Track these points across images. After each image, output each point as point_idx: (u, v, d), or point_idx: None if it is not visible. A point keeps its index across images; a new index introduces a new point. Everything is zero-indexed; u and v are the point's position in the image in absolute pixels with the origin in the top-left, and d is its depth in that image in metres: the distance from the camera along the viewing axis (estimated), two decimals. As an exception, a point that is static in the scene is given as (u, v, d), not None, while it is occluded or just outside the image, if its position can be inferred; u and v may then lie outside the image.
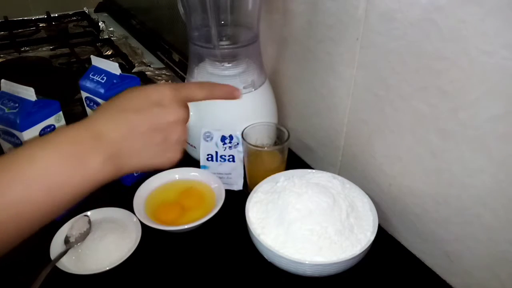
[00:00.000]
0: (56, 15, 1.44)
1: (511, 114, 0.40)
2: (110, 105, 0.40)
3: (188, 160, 0.70)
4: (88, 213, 0.59)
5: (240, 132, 0.62)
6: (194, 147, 0.69)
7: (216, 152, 0.65)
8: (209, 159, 0.66)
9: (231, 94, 0.49)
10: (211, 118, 0.66)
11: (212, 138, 0.65)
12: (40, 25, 1.40)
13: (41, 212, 0.35)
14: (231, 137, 0.64)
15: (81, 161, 0.36)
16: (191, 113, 0.66)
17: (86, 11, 1.48)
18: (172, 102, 0.41)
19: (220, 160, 0.65)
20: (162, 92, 0.41)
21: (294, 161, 0.74)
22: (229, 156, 0.65)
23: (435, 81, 0.46)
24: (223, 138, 0.64)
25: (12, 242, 0.36)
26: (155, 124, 0.40)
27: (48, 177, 0.35)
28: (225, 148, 0.65)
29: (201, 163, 0.66)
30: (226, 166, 0.66)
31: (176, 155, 0.43)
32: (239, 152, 0.65)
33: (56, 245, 0.54)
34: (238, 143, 0.64)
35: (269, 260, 0.51)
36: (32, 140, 0.39)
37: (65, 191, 0.36)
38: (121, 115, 0.39)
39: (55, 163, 0.35)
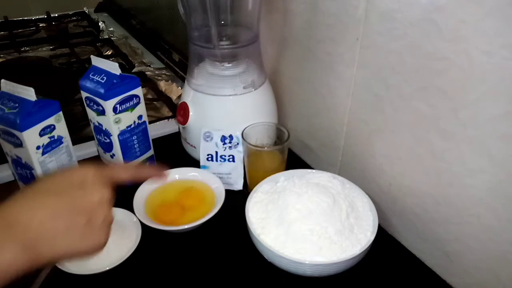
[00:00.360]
0: (56, 15, 1.44)
1: (511, 114, 0.40)
2: (29, 190, 0.38)
3: (188, 160, 0.70)
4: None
5: (240, 132, 0.62)
6: (194, 147, 0.69)
7: (216, 152, 0.65)
8: (209, 159, 0.66)
9: (157, 176, 0.50)
10: (211, 118, 0.66)
11: (212, 138, 0.65)
12: (40, 25, 1.40)
13: None
14: (231, 137, 0.64)
15: None
16: (191, 113, 0.67)
17: (86, 11, 1.48)
18: (95, 183, 0.40)
19: (220, 160, 0.65)
20: (85, 174, 0.40)
21: (294, 161, 0.74)
22: (229, 156, 0.65)
23: (435, 81, 0.46)
24: (223, 138, 0.64)
25: None
26: (76, 206, 0.37)
27: None
28: (225, 148, 0.65)
29: (201, 163, 0.66)
30: (226, 166, 0.66)
31: (101, 239, 0.39)
32: (239, 152, 0.65)
33: (56, 245, 0.54)
34: (238, 143, 0.64)
35: (269, 260, 0.51)
36: None
37: None
38: (39, 199, 0.37)
39: None
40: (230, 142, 0.65)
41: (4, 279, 0.33)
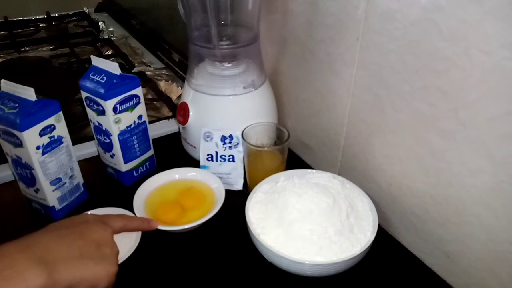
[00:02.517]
0: (56, 15, 1.44)
1: (511, 114, 0.40)
2: (42, 229, 0.43)
3: (188, 160, 0.70)
4: (88, 213, 0.59)
5: (240, 132, 0.62)
6: (194, 147, 0.69)
7: (216, 152, 0.65)
8: (209, 159, 0.66)
9: (146, 226, 0.54)
10: (211, 118, 0.66)
11: (212, 138, 0.65)
12: (40, 25, 1.40)
13: None
14: (231, 137, 0.64)
15: (14, 269, 0.35)
16: (191, 113, 0.67)
17: (86, 11, 1.48)
18: (96, 221, 0.46)
19: (220, 160, 0.65)
20: (86, 216, 0.47)
21: (294, 161, 0.74)
22: (229, 156, 0.65)
23: (435, 81, 0.46)
24: (223, 138, 0.64)
25: None
26: (85, 236, 0.42)
27: None
28: (225, 148, 0.65)
29: (201, 163, 0.66)
30: (226, 166, 0.66)
31: (112, 266, 0.42)
32: (239, 152, 0.65)
33: (56, 245, 0.54)
34: (238, 143, 0.64)
35: (269, 260, 0.51)
36: None
37: None
38: (53, 231, 0.42)
39: None
40: (230, 142, 0.65)
41: None
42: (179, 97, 0.89)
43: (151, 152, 0.69)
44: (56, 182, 0.59)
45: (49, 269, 0.36)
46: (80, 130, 0.78)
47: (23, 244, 0.38)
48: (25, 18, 1.39)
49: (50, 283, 0.36)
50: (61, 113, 0.58)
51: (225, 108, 0.66)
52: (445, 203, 0.49)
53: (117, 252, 0.45)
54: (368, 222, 0.53)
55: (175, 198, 0.61)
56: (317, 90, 0.65)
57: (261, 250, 0.51)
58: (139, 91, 0.63)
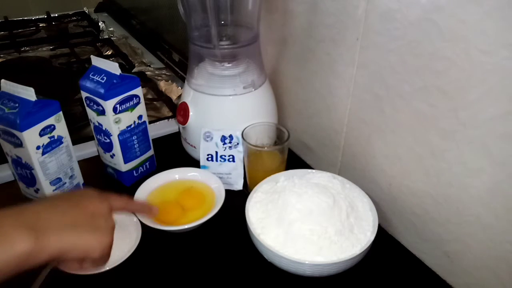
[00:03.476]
0: (56, 15, 1.44)
1: (511, 114, 0.40)
2: (40, 199, 0.43)
3: (188, 160, 0.70)
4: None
5: (240, 132, 0.62)
6: (194, 147, 0.69)
7: (216, 152, 0.65)
8: (209, 159, 0.66)
9: (147, 210, 0.54)
10: (211, 118, 0.66)
11: (212, 138, 0.65)
12: (40, 25, 1.40)
13: None
14: (231, 137, 0.64)
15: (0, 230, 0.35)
16: (191, 113, 0.67)
17: (86, 11, 1.48)
18: (95, 194, 0.45)
19: (220, 160, 0.65)
20: (86, 190, 0.46)
21: (294, 161, 0.74)
22: (229, 156, 0.65)
23: (435, 81, 0.46)
24: (223, 138, 0.64)
25: None
26: (80, 206, 0.42)
27: None
28: (225, 148, 0.65)
29: (201, 163, 0.66)
30: (226, 166, 0.66)
31: (104, 238, 0.42)
32: (239, 152, 0.65)
33: (56, 245, 0.54)
34: (238, 143, 0.64)
35: (269, 260, 0.51)
36: None
37: None
38: (46, 201, 0.43)
39: None
40: (230, 142, 0.65)
41: (13, 266, 0.35)
42: (179, 97, 0.89)
43: (151, 152, 0.69)
44: (56, 182, 0.59)
45: (38, 235, 0.36)
46: (80, 130, 0.78)
47: (14, 211, 0.38)
48: (25, 18, 1.39)
49: (37, 249, 0.36)
50: (61, 113, 0.58)
51: (225, 108, 0.66)
52: (445, 203, 0.49)
53: (113, 226, 0.44)
54: (368, 222, 0.53)
55: (175, 198, 0.61)
56: (317, 90, 0.65)
57: (261, 250, 0.51)
58: (139, 91, 0.63)
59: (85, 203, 0.43)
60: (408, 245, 0.57)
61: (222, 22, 0.64)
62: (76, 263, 0.44)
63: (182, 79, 0.98)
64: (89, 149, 0.73)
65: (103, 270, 0.51)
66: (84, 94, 0.62)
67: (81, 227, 0.40)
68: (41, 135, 0.55)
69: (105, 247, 0.42)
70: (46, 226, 0.37)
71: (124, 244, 0.54)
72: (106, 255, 0.43)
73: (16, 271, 0.35)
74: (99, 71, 0.61)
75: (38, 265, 0.37)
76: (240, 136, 0.62)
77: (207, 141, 0.65)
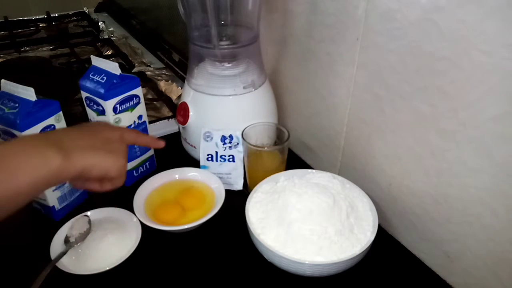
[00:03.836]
0: (56, 15, 1.44)
1: (511, 114, 0.40)
2: (61, 128, 0.50)
3: (188, 160, 0.70)
4: (88, 213, 0.59)
5: (240, 132, 0.62)
6: (194, 147, 0.69)
7: (216, 152, 0.65)
8: (209, 159, 0.66)
9: (155, 144, 0.57)
10: (211, 118, 0.66)
11: (212, 138, 0.65)
12: (40, 25, 1.40)
13: None
14: (231, 137, 0.64)
15: (37, 148, 0.41)
16: (191, 113, 0.67)
17: (86, 11, 1.48)
18: (108, 124, 0.53)
19: (220, 160, 0.65)
20: (99, 121, 0.53)
21: (294, 161, 0.74)
22: (229, 156, 0.65)
23: (435, 81, 0.46)
24: (223, 138, 0.64)
25: None
26: (94, 132, 0.48)
27: (10, 162, 0.39)
28: (225, 148, 0.65)
29: (201, 163, 0.66)
30: (226, 166, 0.66)
31: (120, 160, 0.48)
32: (239, 152, 0.65)
33: (56, 245, 0.54)
34: (238, 143, 0.64)
35: (269, 260, 0.51)
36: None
37: (24, 176, 0.39)
38: (67, 128, 0.50)
39: (12, 151, 0.40)
40: (230, 142, 0.65)
41: (48, 181, 0.41)
42: (179, 97, 0.89)
43: (151, 152, 0.69)
44: (56, 182, 0.59)
45: (65, 154, 0.41)
46: (80, 130, 0.78)
47: (42, 135, 0.47)
48: (25, 18, 1.39)
49: (66, 165, 0.41)
50: (61, 113, 0.58)
51: (225, 108, 0.66)
52: (445, 203, 0.49)
53: (125, 151, 0.49)
54: (368, 222, 0.53)
55: (175, 198, 0.62)
56: (317, 90, 0.65)
57: (261, 250, 0.51)
58: (139, 91, 0.63)
59: (99, 130, 0.49)
60: (408, 245, 0.57)
61: (222, 22, 0.64)
62: (96, 183, 0.49)
63: (182, 79, 0.98)
64: (89, 149, 0.73)
65: (103, 270, 0.51)
66: (84, 94, 0.62)
67: (98, 149, 0.45)
68: (41, 135, 0.55)
69: (120, 167, 0.47)
70: (71, 147, 0.43)
71: (124, 244, 0.54)
72: (122, 175, 0.49)
73: (49, 186, 0.42)
74: (99, 71, 0.61)
75: (66, 181, 0.50)
76: (240, 136, 0.62)
77: (207, 141, 0.65)
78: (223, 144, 0.65)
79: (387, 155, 0.56)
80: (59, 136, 0.45)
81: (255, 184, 0.59)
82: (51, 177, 0.41)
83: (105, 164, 0.46)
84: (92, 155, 0.45)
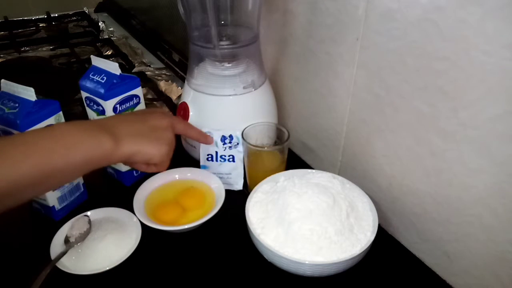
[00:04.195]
0: (56, 15, 1.44)
1: (511, 114, 0.40)
2: (113, 115, 0.57)
3: (188, 160, 0.70)
4: (88, 213, 0.59)
5: (240, 132, 0.62)
6: (194, 147, 0.69)
7: (216, 152, 0.65)
8: (209, 159, 0.66)
9: (203, 139, 0.63)
10: (211, 118, 0.66)
11: (212, 138, 0.65)
12: (40, 25, 1.40)
13: (60, 174, 0.43)
14: (231, 137, 0.64)
15: (91, 132, 0.46)
16: (191, 113, 0.67)
17: (86, 11, 1.48)
18: (160, 112, 0.56)
19: (220, 160, 0.65)
20: (154, 108, 0.57)
21: (294, 161, 0.74)
22: (229, 156, 0.65)
23: (435, 81, 0.46)
24: (223, 138, 0.64)
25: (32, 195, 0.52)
26: (143, 120, 0.52)
27: (67, 141, 0.44)
28: (225, 148, 0.65)
29: (201, 163, 0.66)
30: (226, 166, 0.66)
31: (163, 147, 0.51)
32: (239, 152, 0.65)
33: (56, 245, 0.54)
34: (238, 143, 0.64)
35: (269, 260, 0.51)
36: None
37: (79, 153, 0.44)
38: (118, 116, 0.55)
39: (70, 131, 0.45)
40: (230, 142, 0.65)
41: (100, 161, 0.46)
42: (179, 97, 0.89)
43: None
44: (56, 182, 0.59)
45: (116, 139, 0.47)
46: (80, 130, 0.78)
47: (96, 121, 0.50)
48: (25, 18, 1.39)
49: (116, 149, 0.46)
50: (61, 113, 0.58)
51: (225, 108, 0.66)
52: (445, 203, 0.49)
53: (171, 139, 0.53)
54: (368, 222, 0.53)
55: (175, 198, 0.61)
56: (317, 90, 0.65)
57: (261, 250, 0.51)
58: (139, 91, 0.63)
59: (148, 118, 0.53)
60: (408, 245, 0.57)
61: (222, 22, 0.64)
62: (143, 165, 0.54)
63: (182, 79, 0.98)
64: (89, 149, 0.73)
65: (103, 270, 0.51)
66: (84, 94, 0.62)
67: (144, 137, 0.50)
68: (41, 135, 0.55)
69: (163, 155, 0.51)
70: (120, 133, 0.48)
71: (124, 244, 0.54)
72: (165, 161, 0.53)
73: (99, 166, 0.46)
74: (99, 71, 0.61)
75: (114, 163, 0.57)
76: (240, 136, 0.62)
77: None
78: (223, 144, 0.65)
79: (387, 155, 0.56)
80: (112, 122, 0.49)
81: (255, 184, 0.59)
82: (102, 158, 0.46)
83: (149, 151, 0.50)
84: (138, 142, 0.49)
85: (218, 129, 0.64)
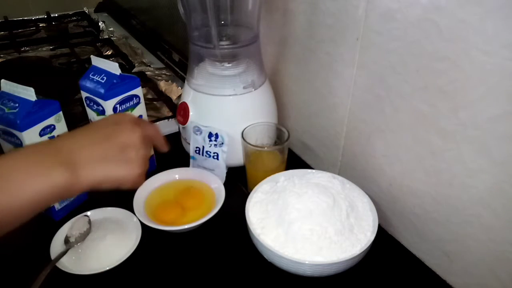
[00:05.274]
0: (56, 15, 1.44)
1: (511, 114, 0.40)
2: (75, 130, 0.45)
3: (188, 160, 0.70)
4: (88, 213, 0.59)
5: (226, 132, 0.62)
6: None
7: (203, 147, 0.66)
8: (197, 151, 0.67)
9: (164, 147, 0.52)
10: (211, 118, 0.66)
11: (201, 133, 0.65)
12: (40, 25, 1.40)
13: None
14: (216, 135, 0.64)
15: (41, 165, 0.39)
16: (191, 113, 0.67)
17: (86, 11, 1.48)
18: (128, 122, 0.46)
19: (206, 155, 0.66)
20: (120, 116, 0.47)
21: (294, 161, 0.74)
22: (214, 153, 0.65)
23: (435, 81, 0.46)
24: (210, 135, 0.65)
25: None
26: (111, 138, 0.44)
27: (12, 180, 0.37)
28: (211, 145, 0.65)
29: (191, 154, 0.67)
30: (211, 162, 0.66)
31: (135, 169, 0.44)
32: (223, 152, 0.65)
33: (56, 245, 0.54)
34: (222, 143, 0.64)
35: (269, 260, 0.51)
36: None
37: (26, 194, 0.37)
38: (80, 132, 0.44)
39: (15, 167, 0.38)
40: (215, 140, 0.65)
41: (55, 195, 0.39)
42: (179, 97, 0.89)
43: (151, 152, 0.69)
44: (56, 182, 0.59)
45: (73, 169, 0.40)
46: (80, 130, 0.78)
47: (52, 147, 0.41)
48: (25, 18, 1.39)
49: (73, 181, 0.39)
50: (61, 113, 0.58)
51: (225, 108, 0.66)
52: (445, 203, 0.49)
53: (144, 156, 0.46)
54: (368, 222, 0.53)
55: (175, 198, 0.62)
56: (317, 90, 0.65)
57: (261, 250, 0.51)
58: (139, 91, 0.63)
59: (116, 135, 0.44)
60: (408, 245, 0.57)
61: (222, 22, 0.64)
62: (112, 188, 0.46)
63: (182, 79, 0.98)
64: (89, 149, 0.73)
65: (103, 270, 0.51)
66: (84, 94, 0.62)
67: (112, 161, 0.42)
68: (41, 135, 0.55)
69: (136, 177, 0.45)
70: (80, 161, 0.41)
71: (124, 244, 0.54)
72: (138, 183, 0.46)
73: (56, 202, 0.44)
74: (99, 71, 0.61)
75: (78, 194, 0.43)
76: (225, 136, 0.63)
77: (196, 134, 0.66)
78: (209, 141, 0.65)
79: (387, 155, 0.56)
80: (68, 145, 0.42)
81: (255, 184, 0.59)
82: (57, 195, 0.39)
83: (119, 176, 0.43)
84: (104, 168, 0.42)
85: (206, 125, 0.65)
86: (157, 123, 0.81)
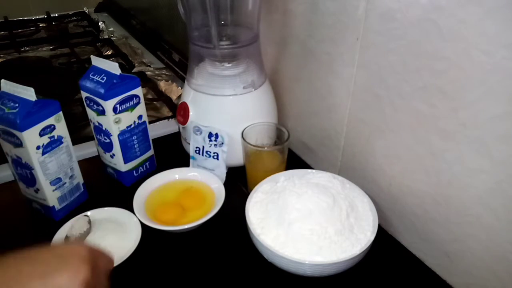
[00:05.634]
0: (56, 15, 1.44)
1: (511, 114, 0.40)
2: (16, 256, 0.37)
3: (188, 160, 0.70)
4: (88, 213, 0.59)
5: (226, 133, 0.62)
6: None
7: (203, 147, 0.66)
8: (197, 151, 0.67)
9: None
10: (211, 118, 0.66)
11: (201, 133, 0.65)
12: (40, 25, 1.40)
13: None
14: (216, 135, 0.64)
15: None
16: (191, 113, 0.67)
17: (86, 11, 1.48)
18: (77, 259, 0.36)
19: (206, 155, 0.66)
20: (72, 248, 0.38)
21: (294, 161, 0.74)
22: (214, 153, 0.65)
23: (435, 81, 0.46)
24: (210, 135, 0.65)
25: None
26: (47, 276, 0.34)
27: None
28: (211, 145, 0.65)
29: (191, 154, 0.67)
30: (211, 162, 0.66)
31: None
32: (223, 152, 0.65)
33: (56, 245, 0.54)
34: (222, 143, 0.64)
35: (269, 260, 0.51)
36: None
37: None
38: (15, 263, 0.36)
39: None
40: (215, 140, 0.65)
41: None
42: (179, 97, 0.89)
43: (151, 152, 0.69)
44: (56, 182, 0.59)
45: None
46: (80, 130, 0.78)
47: None
48: (25, 18, 1.39)
49: None
50: (61, 113, 0.58)
51: (225, 108, 0.66)
52: (445, 203, 0.49)
53: None
54: (368, 222, 0.53)
55: (175, 198, 0.62)
56: (317, 90, 0.65)
57: (261, 250, 0.51)
58: (139, 91, 0.63)
59: (53, 275, 0.34)
60: (408, 245, 0.57)
61: (222, 22, 0.64)
62: None
63: (182, 79, 0.98)
64: (89, 149, 0.73)
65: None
66: (84, 94, 0.62)
67: None
68: (41, 135, 0.55)
69: None
70: None
71: (124, 244, 0.54)
72: None
73: None
74: (99, 71, 0.61)
75: None
76: (225, 136, 0.63)
77: (196, 134, 0.66)
78: (209, 141, 0.65)
79: (387, 155, 0.56)
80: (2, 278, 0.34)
81: (255, 184, 0.59)
82: None
83: None
84: None
85: (206, 125, 0.65)
86: (157, 123, 0.81)
